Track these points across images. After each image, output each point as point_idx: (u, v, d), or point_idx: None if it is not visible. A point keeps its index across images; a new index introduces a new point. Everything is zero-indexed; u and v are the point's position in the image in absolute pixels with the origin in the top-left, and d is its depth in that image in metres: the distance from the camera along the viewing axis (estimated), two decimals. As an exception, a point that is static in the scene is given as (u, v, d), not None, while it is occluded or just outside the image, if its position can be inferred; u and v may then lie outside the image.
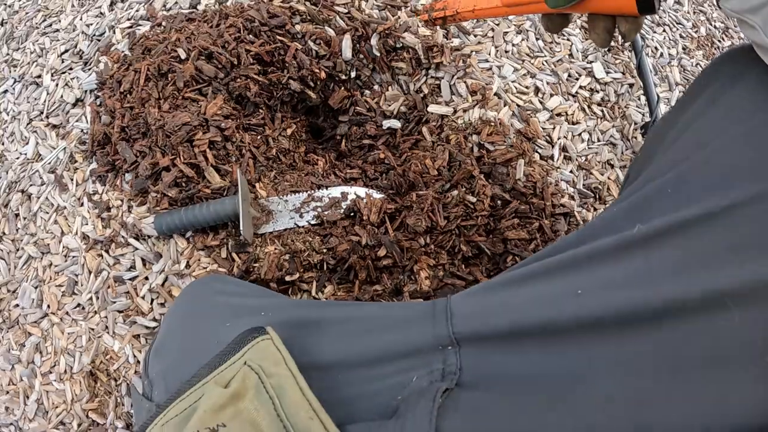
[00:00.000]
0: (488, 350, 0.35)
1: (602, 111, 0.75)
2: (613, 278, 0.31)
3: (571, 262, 0.34)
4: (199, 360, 0.39)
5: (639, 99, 0.79)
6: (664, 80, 0.83)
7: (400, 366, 0.37)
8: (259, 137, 0.70)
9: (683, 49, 0.88)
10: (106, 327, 0.69)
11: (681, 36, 0.89)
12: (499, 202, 0.62)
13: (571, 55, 0.77)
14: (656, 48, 0.85)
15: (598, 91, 0.76)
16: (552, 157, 0.68)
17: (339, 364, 0.38)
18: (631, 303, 0.30)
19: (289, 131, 0.70)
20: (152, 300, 0.69)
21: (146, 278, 0.70)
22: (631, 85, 0.79)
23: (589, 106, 0.74)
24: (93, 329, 0.70)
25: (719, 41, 0.94)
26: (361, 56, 0.69)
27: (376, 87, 0.70)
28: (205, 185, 0.69)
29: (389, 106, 0.69)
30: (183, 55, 0.76)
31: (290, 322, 0.41)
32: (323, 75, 0.68)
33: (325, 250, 0.61)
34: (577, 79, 0.75)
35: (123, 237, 0.72)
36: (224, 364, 0.36)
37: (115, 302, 0.70)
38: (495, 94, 0.68)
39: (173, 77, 0.76)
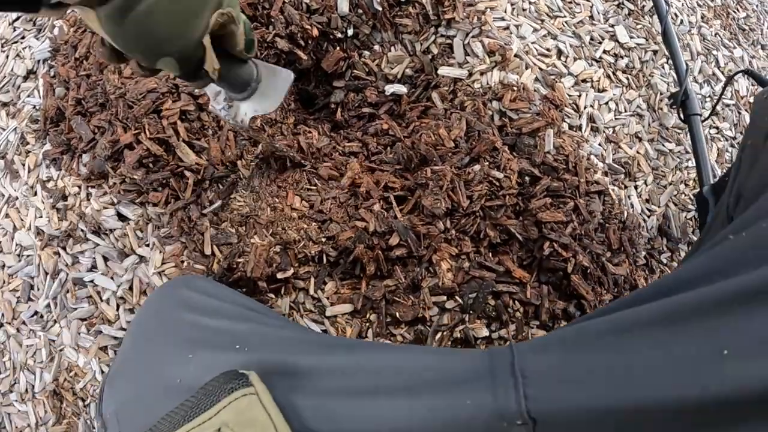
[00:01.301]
0: None
1: (627, 78, 0.65)
2: None
3: (695, 309, 0.22)
4: (157, 404, 0.29)
5: (663, 68, 0.69)
6: (685, 48, 0.73)
7: None
8: (241, 108, 0.57)
9: (702, 17, 0.78)
10: (69, 338, 0.57)
11: (698, 4, 0.79)
12: (527, 178, 0.51)
13: (591, 17, 0.66)
14: (675, 15, 0.75)
15: (622, 57, 0.65)
16: (580, 128, 0.57)
17: None
18: None
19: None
20: (118, 306, 0.56)
21: (111, 279, 0.56)
22: (655, 52, 0.69)
23: (614, 73, 0.63)
24: (53, 341, 0.57)
25: (734, 11, 0.85)
26: (360, 11, 0.56)
27: (377, 47, 0.58)
28: (176, 164, 0.55)
29: (392, 69, 0.56)
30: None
31: (272, 367, 0.28)
32: (315, 32, 0.55)
33: (324, 240, 0.49)
34: (600, 42, 0.64)
35: (82, 231, 0.58)
36: (190, 424, 0.24)
37: (76, 309, 0.57)
38: (515, 55, 0.56)
39: (136, 40, 0.62)
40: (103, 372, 0.56)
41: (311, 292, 0.48)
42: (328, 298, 0.48)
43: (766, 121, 0.31)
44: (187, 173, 0.55)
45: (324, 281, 0.49)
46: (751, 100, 0.80)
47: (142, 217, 0.57)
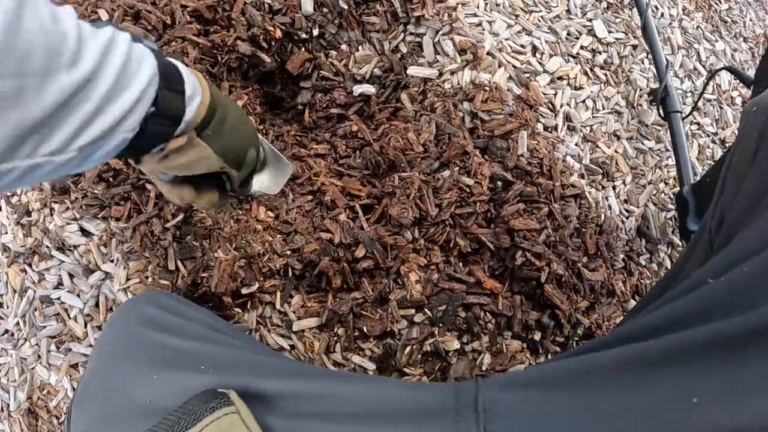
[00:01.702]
0: None
1: (605, 75, 0.62)
2: (744, 379, 0.19)
3: (664, 354, 0.20)
4: (128, 424, 0.29)
5: (643, 63, 0.67)
6: (666, 42, 0.71)
7: None
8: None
9: (683, 10, 0.76)
10: (39, 356, 0.55)
11: (679, -6, 0.77)
12: (499, 183, 0.48)
13: (568, 11, 0.63)
14: (656, 7, 0.72)
15: (600, 53, 0.62)
16: (556, 128, 0.54)
17: None
18: None
19: (239, 103, 0.54)
20: (86, 323, 0.54)
21: (78, 296, 0.54)
22: (634, 47, 0.66)
23: (591, 69, 0.61)
24: (25, 359, 0.55)
25: (716, 3, 0.82)
26: (325, 10, 0.53)
27: (343, 47, 0.54)
28: (137, 177, 0.53)
29: (360, 69, 0.53)
30: (105, 17, 0.58)
31: (237, 390, 0.27)
32: (279, 34, 0.52)
33: (288, 252, 0.46)
34: (577, 38, 0.61)
35: (47, 247, 0.55)
36: None
37: (45, 327, 0.55)
38: (488, 53, 0.53)
39: (94, 45, 0.58)
40: (74, 389, 0.54)
41: (278, 306, 0.46)
42: (294, 312, 0.46)
43: (754, 138, 0.27)
44: (148, 186, 0.53)
45: (290, 295, 0.46)
46: (734, 94, 0.78)
47: (105, 232, 0.54)
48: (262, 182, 0.38)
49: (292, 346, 0.46)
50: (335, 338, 0.45)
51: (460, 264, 0.46)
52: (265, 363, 0.32)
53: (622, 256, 0.54)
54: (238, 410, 0.25)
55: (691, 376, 0.19)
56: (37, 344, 0.55)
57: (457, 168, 0.47)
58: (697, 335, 0.19)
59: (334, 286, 0.44)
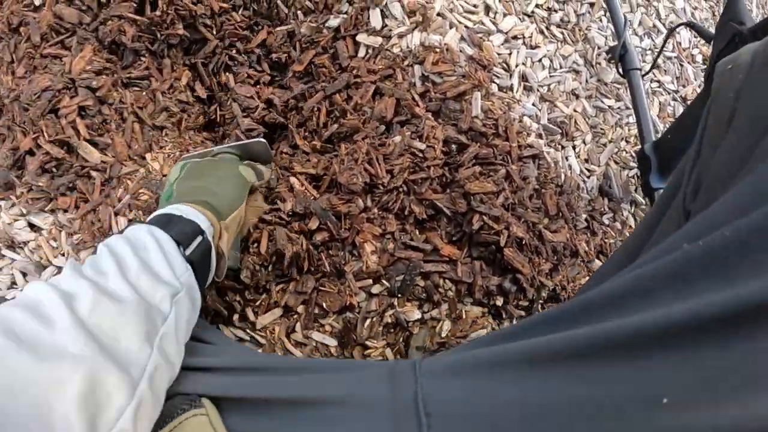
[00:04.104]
0: None
1: (562, 33, 0.57)
2: (724, 371, 0.14)
3: (630, 339, 0.16)
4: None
5: (601, 21, 0.62)
6: (624, 0, 0.66)
7: None
8: (144, 94, 0.48)
9: (639, -35, 0.70)
10: None
11: (635, -49, 0.71)
12: (453, 146, 0.44)
13: (522, -30, 0.58)
14: (612, -36, 0.67)
15: (556, 11, 0.58)
16: (511, 88, 0.50)
17: None
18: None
19: (183, 81, 0.48)
20: (42, 317, 0.49)
21: (34, 291, 0.49)
22: (591, 5, 0.61)
23: (547, 28, 0.56)
24: None
25: (673, -42, 0.77)
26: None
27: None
28: (80, 166, 0.47)
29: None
30: (37, 1, 0.52)
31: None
32: (217, 6, 0.47)
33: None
34: (532, -4, 0.56)
35: (-3, 245, 0.50)
36: None
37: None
38: (438, 14, 0.48)
39: (27, 31, 0.52)
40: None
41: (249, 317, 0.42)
42: (258, 314, 0.41)
43: (731, 98, 0.23)
44: (93, 173, 0.48)
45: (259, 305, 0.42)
46: (694, 52, 0.73)
47: (54, 225, 0.49)
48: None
49: (252, 338, 0.42)
50: (295, 318, 0.41)
51: (417, 232, 0.42)
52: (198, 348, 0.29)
53: (584, 215, 0.50)
54: (207, 413, 0.24)
55: (660, 367, 0.15)
56: None
57: (409, 132, 0.42)
58: (672, 315, 0.15)
59: (302, 271, 0.40)
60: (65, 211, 0.48)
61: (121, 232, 0.29)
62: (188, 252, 0.29)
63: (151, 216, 0.32)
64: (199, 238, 0.30)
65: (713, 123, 0.24)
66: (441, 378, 0.21)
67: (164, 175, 0.47)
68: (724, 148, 0.23)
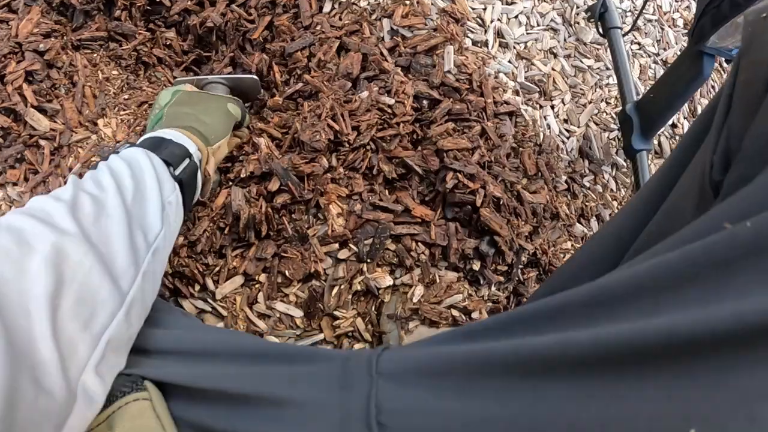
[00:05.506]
0: None
1: (540, -8, 0.53)
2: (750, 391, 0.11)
3: (648, 348, 0.12)
4: None
5: (579, -21, 0.58)
6: (602, -40, 0.62)
7: None
8: (96, 56, 0.44)
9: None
10: None
11: None
12: (425, 102, 0.40)
13: (497, -75, 0.54)
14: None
15: (533, -32, 0.54)
16: (486, 44, 0.46)
17: None
18: None
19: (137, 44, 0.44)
20: None
21: None
22: (569, -37, 0.57)
23: (525, -15, 0.52)
24: None
25: None
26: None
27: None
28: (28, 134, 0.43)
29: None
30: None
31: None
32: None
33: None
34: (507, -48, 0.52)
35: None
36: None
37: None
38: (407, -35, 0.44)
39: (-35, -8, 0.47)
40: None
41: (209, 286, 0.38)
42: (218, 282, 0.38)
43: (767, 53, 0.18)
44: (42, 142, 0.43)
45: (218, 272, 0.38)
46: (675, 16, 0.70)
47: (4, 201, 0.45)
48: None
49: (214, 308, 0.38)
50: (257, 287, 0.37)
51: (386, 192, 0.38)
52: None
53: (564, 177, 0.47)
54: (150, 397, 0.22)
55: (692, 386, 0.11)
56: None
57: (377, 88, 0.38)
58: (710, 319, 0.11)
59: (260, 235, 0.36)
60: (15, 184, 0.43)
61: (117, 151, 0.30)
62: (177, 172, 0.30)
63: (142, 138, 0.32)
64: (187, 161, 0.31)
65: (745, 79, 0.19)
66: (401, 381, 0.17)
67: (117, 141, 0.43)
68: (766, 112, 0.18)
